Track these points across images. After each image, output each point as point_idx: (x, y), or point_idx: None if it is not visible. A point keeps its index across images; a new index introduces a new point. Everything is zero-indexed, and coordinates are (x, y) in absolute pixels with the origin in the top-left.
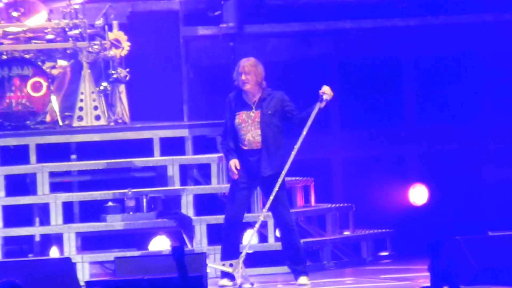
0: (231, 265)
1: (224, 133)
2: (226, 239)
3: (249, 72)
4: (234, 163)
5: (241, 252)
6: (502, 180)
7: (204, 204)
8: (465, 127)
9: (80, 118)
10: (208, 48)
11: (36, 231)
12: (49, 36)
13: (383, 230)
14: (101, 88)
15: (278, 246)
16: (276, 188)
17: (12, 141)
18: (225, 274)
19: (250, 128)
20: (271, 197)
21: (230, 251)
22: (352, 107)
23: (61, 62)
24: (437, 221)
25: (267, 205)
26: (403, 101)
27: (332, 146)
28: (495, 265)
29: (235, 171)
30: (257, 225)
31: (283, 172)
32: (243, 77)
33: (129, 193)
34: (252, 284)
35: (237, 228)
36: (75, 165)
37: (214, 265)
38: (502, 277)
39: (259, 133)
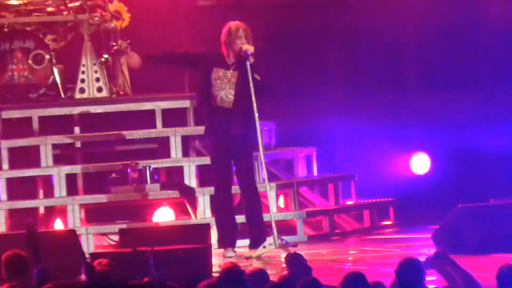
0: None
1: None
2: (220, 212)
3: (249, 36)
4: None
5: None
6: (504, 148)
7: (207, 175)
8: (467, 95)
9: (82, 90)
10: (208, 19)
11: (40, 203)
12: (50, 9)
13: (386, 199)
14: (103, 60)
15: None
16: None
17: (15, 114)
18: (227, 245)
19: (223, 87)
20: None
21: (227, 224)
22: (353, 75)
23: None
24: (439, 189)
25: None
26: (404, 68)
27: (334, 115)
28: (497, 233)
29: None
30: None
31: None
32: (249, 43)
33: (132, 164)
34: (296, 245)
35: (230, 200)
36: (78, 137)
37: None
38: (504, 245)
39: (232, 93)
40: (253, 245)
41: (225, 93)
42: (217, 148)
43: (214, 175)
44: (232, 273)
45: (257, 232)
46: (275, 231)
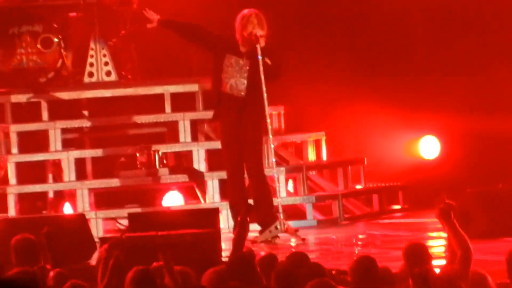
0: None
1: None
2: (234, 198)
3: (263, 24)
4: None
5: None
6: None
7: (216, 159)
8: (476, 78)
9: (91, 74)
10: (216, 2)
11: (49, 187)
12: None
13: (395, 184)
14: (111, 44)
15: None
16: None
17: (23, 98)
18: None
19: (234, 74)
20: None
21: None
22: (362, 59)
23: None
24: (448, 173)
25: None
26: (413, 52)
27: (343, 100)
28: (506, 217)
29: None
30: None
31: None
32: (263, 30)
33: (141, 149)
34: (297, 230)
35: (242, 185)
36: (86, 121)
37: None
38: None
39: (244, 82)
40: (262, 230)
41: (236, 81)
42: (228, 135)
43: (226, 161)
44: (242, 258)
45: (265, 217)
46: (281, 215)
